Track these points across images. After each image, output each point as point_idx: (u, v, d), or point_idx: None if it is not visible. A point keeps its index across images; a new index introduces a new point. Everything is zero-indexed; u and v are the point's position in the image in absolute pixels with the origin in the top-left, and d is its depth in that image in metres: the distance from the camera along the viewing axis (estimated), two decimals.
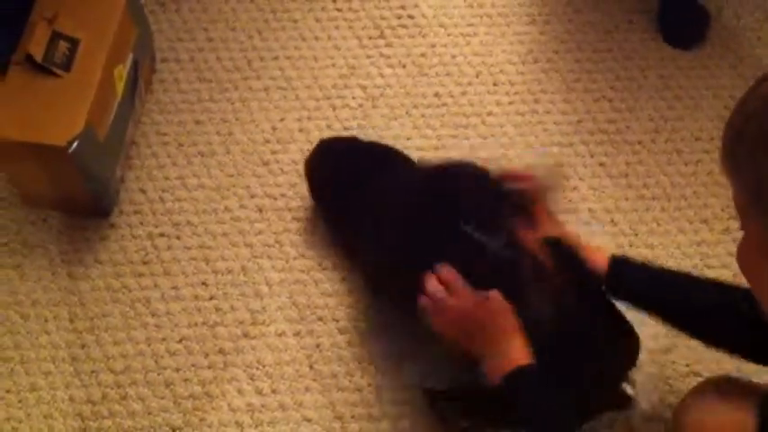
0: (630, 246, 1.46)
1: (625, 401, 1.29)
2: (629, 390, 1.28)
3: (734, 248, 1.49)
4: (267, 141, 1.55)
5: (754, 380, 1.24)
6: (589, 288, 1.17)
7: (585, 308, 1.16)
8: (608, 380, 1.23)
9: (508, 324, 1.09)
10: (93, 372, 1.32)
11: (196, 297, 1.39)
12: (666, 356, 1.35)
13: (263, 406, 1.31)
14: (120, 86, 1.43)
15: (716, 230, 1.46)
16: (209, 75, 1.62)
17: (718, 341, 1.15)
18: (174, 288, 1.40)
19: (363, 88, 1.61)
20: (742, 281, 1.30)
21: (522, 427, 1.09)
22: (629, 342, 1.22)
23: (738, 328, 1.09)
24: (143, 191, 1.49)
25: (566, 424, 1.07)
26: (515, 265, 1.13)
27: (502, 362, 1.06)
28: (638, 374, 1.30)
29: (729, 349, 1.15)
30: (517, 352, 1.07)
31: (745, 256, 0.81)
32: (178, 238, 1.45)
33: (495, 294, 1.09)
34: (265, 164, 1.52)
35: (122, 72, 1.44)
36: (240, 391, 1.32)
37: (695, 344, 1.33)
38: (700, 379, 1.30)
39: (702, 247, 1.45)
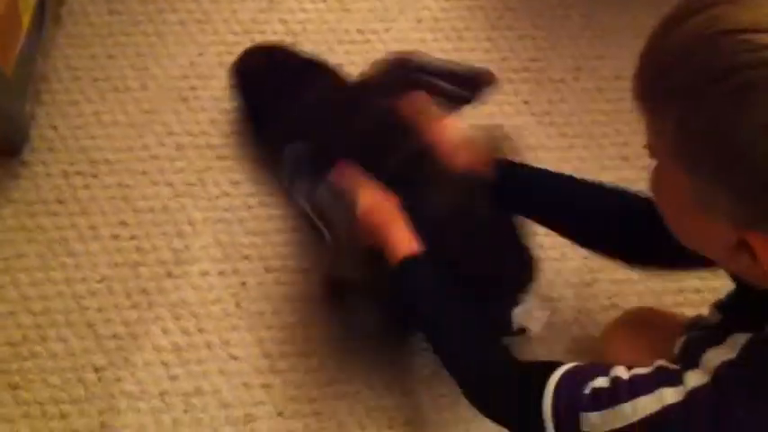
0: None
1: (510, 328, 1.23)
2: (519, 314, 1.21)
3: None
4: (185, 77, 1.50)
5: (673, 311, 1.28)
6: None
7: (483, 212, 1.14)
8: (501, 292, 1.19)
9: (385, 217, 1.08)
10: (10, 313, 1.27)
11: (116, 237, 1.35)
12: (588, 290, 1.38)
13: (188, 345, 1.28)
14: (26, 18, 1.36)
15: (636, 167, 1.49)
16: (120, 6, 1.55)
17: (606, 242, 1.10)
18: (92, 228, 1.35)
19: (284, 23, 1.57)
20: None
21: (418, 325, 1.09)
22: (524, 258, 1.20)
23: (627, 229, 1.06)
24: (55, 128, 1.43)
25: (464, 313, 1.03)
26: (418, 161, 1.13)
27: (390, 256, 1.05)
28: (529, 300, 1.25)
29: (614, 251, 1.11)
30: (400, 244, 1.05)
31: (661, 194, 0.79)
32: (94, 176, 1.39)
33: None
34: (184, 100, 1.47)
35: (28, 3, 1.36)
36: (165, 331, 1.29)
37: (617, 278, 1.37)
38: (620, 311, 1.34)
39: (624, 184, 1.47)
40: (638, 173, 1.48)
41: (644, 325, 1.22)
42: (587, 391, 0.82)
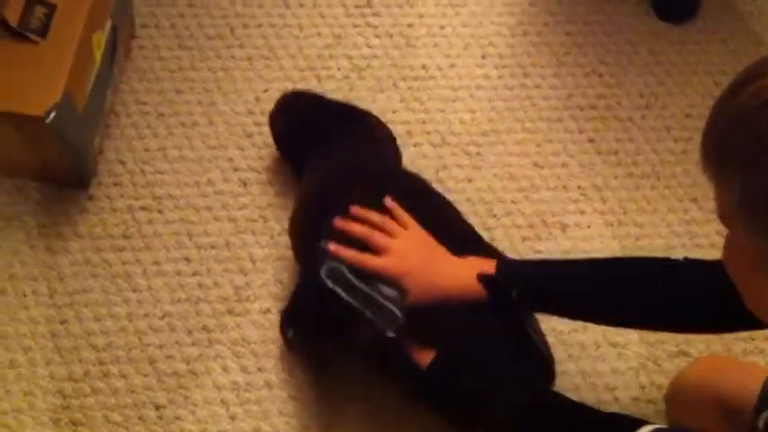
0: (620, 224, 1.44)
1: None
2: None
3: (723, 228, 1.50)
4: (251, 113, 1.51)
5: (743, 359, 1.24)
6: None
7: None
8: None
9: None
10: (74, 348, 1.29)
11: (179, 273, 1.36)
12: (655, 336, 1.34)
13: (248, 384, 1.28)
14: (99, 53, 1.39)
15: (705, 209, 1.45)
16: (190, 42, 1.57)
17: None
18: (156, 263, 1.36)
19: (349, 59, 1.57)
20: None
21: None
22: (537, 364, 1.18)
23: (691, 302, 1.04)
24: (122, 162, 1.45)
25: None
26: None
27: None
28: None
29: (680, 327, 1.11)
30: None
31: (733, 261, 0.78)
32: (159, 211, 1.41)
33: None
34: (249, 136, 1.49)
35: (101, 38, 1.39)
36: (225, 369, 1.29)
37: None
38: (689, 359, 1.30)
39: (692, 225, 1.44)
40: (707, 215, 1.45)
41: (713, 380, 1.18)
42: None
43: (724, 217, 0.74)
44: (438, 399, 1.11)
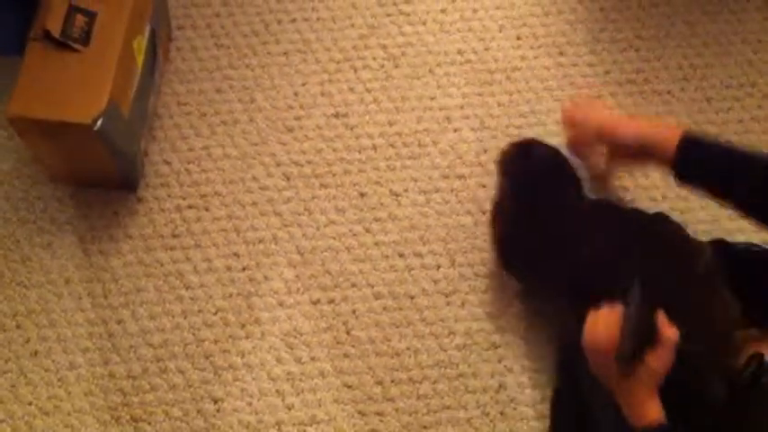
0: (663, 198, 1.44)
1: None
2: None
3: None
4: (290, 107, 1.53)
5: None
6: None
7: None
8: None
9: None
10: (131, 347, 1.33)
11: (229, 268, 1.39)
12: None
13: (302, 374, 1.31)
14: (140, 58, 1.41)
15: None
16: (226, 41, 1.59)
17: None
18: (207, 260, 1.39)
19: (384, 48, 1.58)
20: None
21: None
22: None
23: None
24: (168, 163, 1.48)
25: None
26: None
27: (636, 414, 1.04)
28: None
29: None
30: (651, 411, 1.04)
31: None
32: (207, 209, 1.43)
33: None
34: (290, 130, 1.50)
35: (141, 43, 1.41)
36: (279, 360, 1.32)
37: None
38: None
39: None
40: None
41: None
42: None
43: None
44: None
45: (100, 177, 1.42)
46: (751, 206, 1.12)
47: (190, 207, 1.44)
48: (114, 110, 1.30)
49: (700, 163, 1.13)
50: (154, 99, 1.50)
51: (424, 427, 1.27)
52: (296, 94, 1.54)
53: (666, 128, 1.16)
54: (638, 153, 1.20)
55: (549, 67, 1.55)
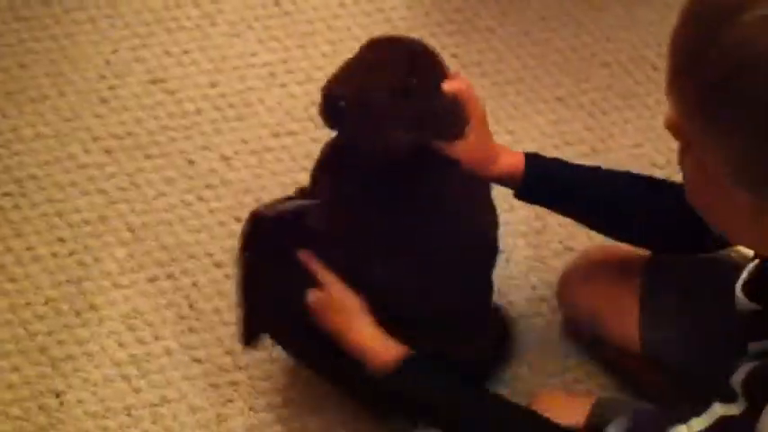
0: (494, 134, 1.45)
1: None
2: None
3: (590, 122, 1.53)
4: (102, 77, 1.45)
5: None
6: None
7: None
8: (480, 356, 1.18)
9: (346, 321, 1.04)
10: None
11: (55, 255, 1.31)
12: (540, 237, 1.38)
13: (147, 355, 1.26)
14: None
15: (571, 107, 1.48)
16: (25, 12, 1.50)
17: (641, 235, 1.10)
18: (30, 249, 1.31)
19: (197, 6, 1.53)
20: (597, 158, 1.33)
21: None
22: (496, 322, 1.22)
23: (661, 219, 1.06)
24: None
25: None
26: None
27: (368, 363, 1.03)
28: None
29: (651, 242, 1.12)
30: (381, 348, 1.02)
31: (695, 187, 0.75)
32: (23, 195, 1.35)
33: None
34: (104, 102, 1.43)
35: None
36: (121, 344, 1.26)
37: (565, 221, 1.36)
38: (575, 254, 1.34)
39: (560, 125, 1.47)
40: (574, 112, 1.48)
41: (600, 266, 1.22)
42: None
43: (672, 127, 0.71)
44: None
45: None
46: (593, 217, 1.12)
47: (5, 194, 1.35)
48: None
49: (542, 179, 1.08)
50: None
51: (281, 390, 1.25)
52: (107, 62, 1.46)
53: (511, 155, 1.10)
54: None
55: (370, 13, 1.54)
